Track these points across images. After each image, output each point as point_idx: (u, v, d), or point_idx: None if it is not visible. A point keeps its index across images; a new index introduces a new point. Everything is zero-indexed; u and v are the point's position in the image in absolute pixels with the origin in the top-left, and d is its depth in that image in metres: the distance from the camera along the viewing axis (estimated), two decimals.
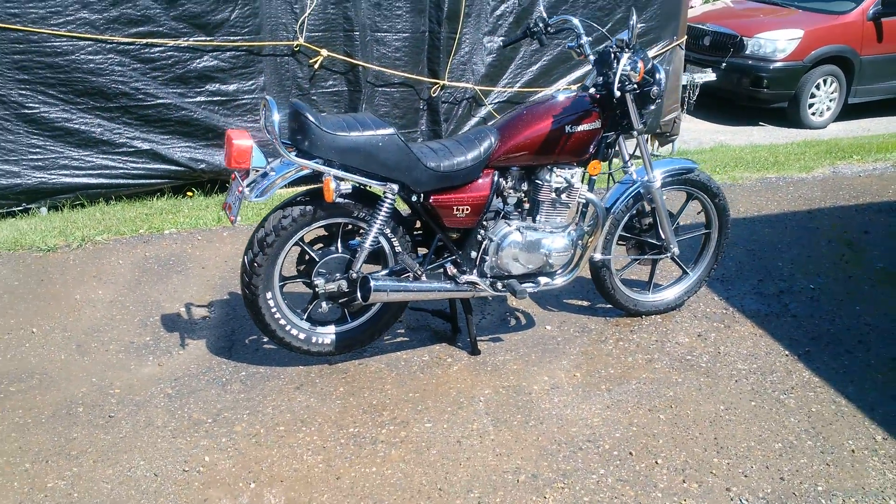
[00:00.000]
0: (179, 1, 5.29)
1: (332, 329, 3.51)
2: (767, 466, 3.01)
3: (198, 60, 5.46)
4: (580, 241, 3.66)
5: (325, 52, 5.75)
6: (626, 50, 3.34)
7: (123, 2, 5.15)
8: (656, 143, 7.32)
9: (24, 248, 4.54)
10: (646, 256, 4.00)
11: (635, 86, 3.43)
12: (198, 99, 5.51)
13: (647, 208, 3.86)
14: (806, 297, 4.33)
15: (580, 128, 3.44)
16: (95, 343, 3.66)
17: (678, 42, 6.90)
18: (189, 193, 5.66)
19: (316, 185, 3.23)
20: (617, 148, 3.70)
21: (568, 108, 3.44)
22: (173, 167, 5.52)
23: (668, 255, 3.94)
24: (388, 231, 3.36)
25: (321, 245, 3.44)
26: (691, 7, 10.27)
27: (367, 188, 3.33)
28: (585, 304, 4.21)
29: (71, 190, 5.35)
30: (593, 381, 3.51)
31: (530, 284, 3.60)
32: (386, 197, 3.26)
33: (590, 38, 3.56)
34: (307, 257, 3.39)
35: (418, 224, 3.55)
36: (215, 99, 5.58)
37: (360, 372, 3.52)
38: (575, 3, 6.40)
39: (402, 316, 3.63)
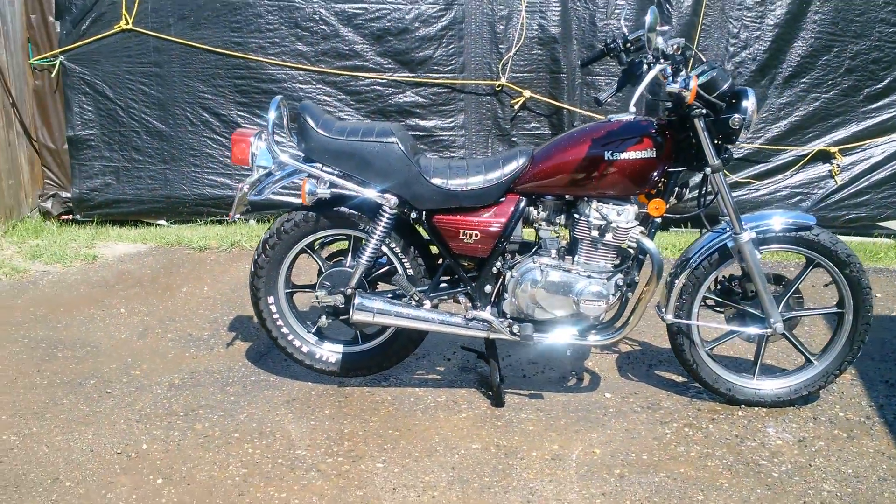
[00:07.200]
0: (385, 38, 5.52)
1: (339, 348, 3.30)
2: None
3: (399, 95, 5.63)
4: (628, 293, 3.04)
5: (527, 93, 5.57)
6: (661, 60, 2.72)
7: (333, 37, 5.52)
8: None
9: (181, 245, 4.97)
10: (741, 330, 3.19)
11: (702, 110, 2.79)
12: None
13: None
14: None
15: (625, 155, 2.87)
16: (160, 329, 3.85)
17: None
18: None
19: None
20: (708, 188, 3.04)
21: (614, 132, 2.90)
22: None
23: (767, 331, 3.11)
24: (397, 249, 3.10)
25: (340, 258, 3.27)
26: None
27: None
28: (679, 380, 3.48)
29: (275, 206, 5.73)
30: (611, 463, 2.85)
31: (552, 335, 3.06)
32: (384, 210, 3.00)
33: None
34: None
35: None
36: (412, 133, 5.67)
37: (360, 398, 3.25)
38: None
39: (415, 349, 3.31)
